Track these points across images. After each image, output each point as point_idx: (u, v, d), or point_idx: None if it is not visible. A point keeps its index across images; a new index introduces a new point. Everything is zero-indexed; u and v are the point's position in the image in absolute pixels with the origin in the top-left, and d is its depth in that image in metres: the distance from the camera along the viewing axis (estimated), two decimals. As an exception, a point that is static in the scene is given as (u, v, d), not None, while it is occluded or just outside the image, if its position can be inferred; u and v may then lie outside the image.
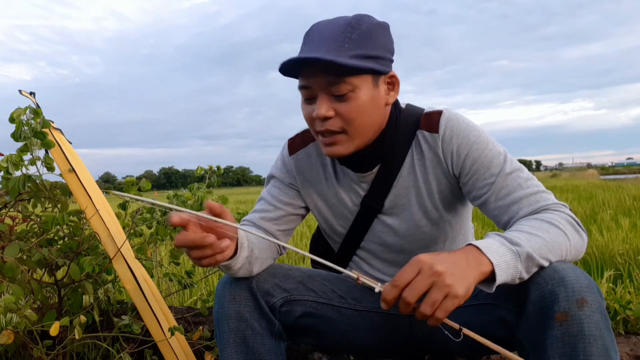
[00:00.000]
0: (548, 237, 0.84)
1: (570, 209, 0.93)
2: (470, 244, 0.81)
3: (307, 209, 1.19)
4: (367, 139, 0.99)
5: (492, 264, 0.78)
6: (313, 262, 1.36)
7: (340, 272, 0.80)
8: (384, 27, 0.97)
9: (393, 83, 1.00)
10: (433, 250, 1.13)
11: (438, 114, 1.02)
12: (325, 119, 0.94)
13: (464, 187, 1.03)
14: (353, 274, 0.76)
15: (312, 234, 1.37)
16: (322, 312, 1.11)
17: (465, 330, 0.74)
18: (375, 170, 1.07)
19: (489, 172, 0.97)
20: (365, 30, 0.92)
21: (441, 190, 1.06)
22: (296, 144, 1.16)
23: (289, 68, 0.94)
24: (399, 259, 1.14)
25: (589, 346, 0.78)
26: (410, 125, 1.04)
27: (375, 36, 0.93)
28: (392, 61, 0.99)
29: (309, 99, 0.97)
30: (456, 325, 0.74)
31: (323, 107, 0.93)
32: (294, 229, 1.19)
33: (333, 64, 0.88)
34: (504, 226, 0.97)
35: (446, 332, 0.79)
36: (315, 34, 0.94)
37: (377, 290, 0.75)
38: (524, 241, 0.82)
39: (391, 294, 0.74)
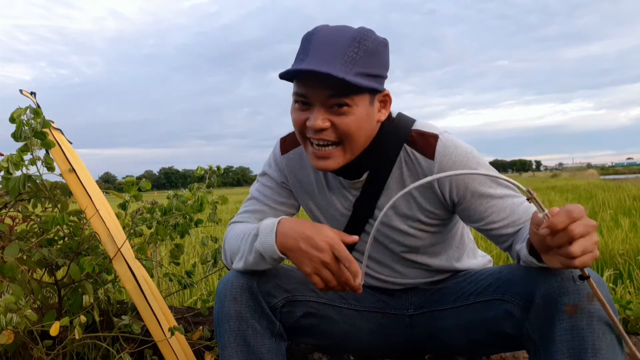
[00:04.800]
0: None
1: None
2: None
3: (299, 208, 1.19)
4: (357, 153, 1.00)
5: None
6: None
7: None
8: (385, 45, 0.96)
9: (385, 101, 1.01)
10: (425, 253, 1.13)
11: (434, 138, 1.01)
12: (321, 130, 0.94)
13: (462, 212, 1.04)
14: (527, 192, 0.77)
15: None
16: (323, 313, 1.11)
17: (590, 281, 0.79)
18: (363, 178, 1.06)
19: (489, 196, 1.00)
20: (370, 48, 0.92)
21: (434, 209, 1.06)
22: (288, 143, 1.15)
23: (293, 74, 0.94)
24: (393, 260, 1.14)
25: (598, 340, 0.79)
26: (399, 136, 1.03)
27: (378, 55, 0.94)
28: (386, 78, 0.99)
29: (303, 104, 0.96)
30: (586, 273, 0.79)
31: (319, 119, 0.93)
32: None
33: (342, 81, 0.88)
34: (505, 240, 1.01)
35: (572, 274, 0.85)
36: (319, 43, 0.92)
37: (541, 215, 0.76)
38: None
39: (563, 222, 0.72)
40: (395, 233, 1.09)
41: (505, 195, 1.00)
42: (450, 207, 1.04)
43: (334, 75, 0.87)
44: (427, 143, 1.01)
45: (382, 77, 0.96)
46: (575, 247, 0.72)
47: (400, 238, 1.09)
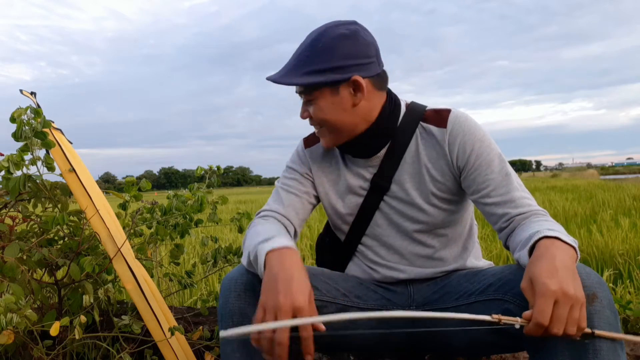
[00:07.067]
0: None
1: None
2: (545, 237, 0.85)
3: (317, 199, 1.25)
4: (345, 133, 1.10)
5: (573, 247, 0.85)
6: (317, 260, 1.37)
7: (475, 320, 0.81)
8: (346, 37, 1.03)
9: (357, 87, 1.05)
10: (435, 234, 1.15)
11: (447, 111, 1.11)
12: (308, 119, 1.13)
13: (464, 181, 1.09)
14: (492, 318, 0.79)
15: (319, 234, 1.40)
16: (325, 311, 1.11)
17: (598, 332, 0.79)
18: (381, 154, 1.14)
19: (489, 169, 1.06)
20: (320, 47, 1.03)
21: (445, 180, 1.11)
22: (310, 140, 1.26)
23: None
24: (403, 242, 1.16)
25: (598, 341, 0.80)
26: (414, 116, 1.13)
27: (330, 50, 1.02)
28: (363, 64, 1.04)
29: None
30: (589, 330, 0.79)
31: (301, 111, 1.14)
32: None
33: (289, 84, 1.06)
34: (496, 220, 1.04)
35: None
36: (297, 50, 1.09)
37: (517, 326, 0.79)
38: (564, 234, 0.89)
39: (538, 332, 0.77)
40: (409, 208, 1.14)
41: (508, 175, 1.05)
42: (457, 174, 1.10)
43: (281, 82, 1.05)
44: (440, 116, 1.11)
45: (343, 67, 1.03)
46: (569, 331, 0.75)
47: (414, 213, 1.13)
